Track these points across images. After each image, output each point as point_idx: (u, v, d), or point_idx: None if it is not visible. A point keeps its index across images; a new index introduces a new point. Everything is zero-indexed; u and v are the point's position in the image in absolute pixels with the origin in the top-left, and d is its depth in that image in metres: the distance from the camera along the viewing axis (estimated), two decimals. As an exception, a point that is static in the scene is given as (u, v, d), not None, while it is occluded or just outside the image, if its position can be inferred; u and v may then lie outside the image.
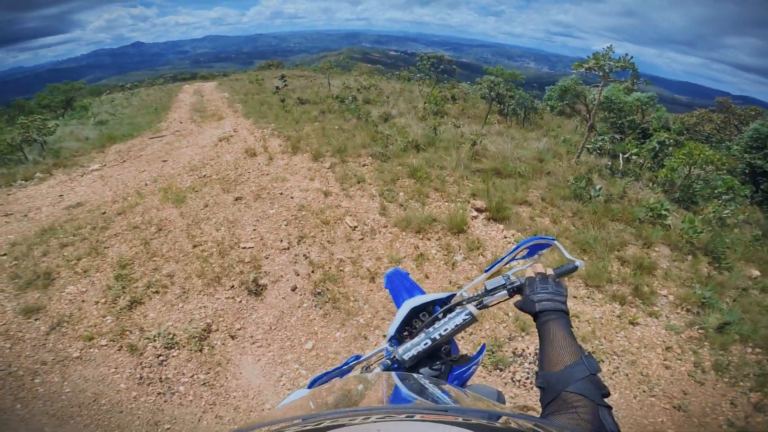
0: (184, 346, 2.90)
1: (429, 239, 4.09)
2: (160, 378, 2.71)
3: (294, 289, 3.41)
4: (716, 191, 5.62)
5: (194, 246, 3.90)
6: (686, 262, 4.20)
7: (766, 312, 3.83)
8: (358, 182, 5.00)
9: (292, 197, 4.68)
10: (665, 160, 6.52)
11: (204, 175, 5.22)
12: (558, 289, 0.83)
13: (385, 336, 0.99)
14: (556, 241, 0.94)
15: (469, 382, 0.98)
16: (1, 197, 5.64)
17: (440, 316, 0.91)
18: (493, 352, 2.94)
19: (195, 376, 2.72)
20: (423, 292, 1.04)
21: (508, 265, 0.96)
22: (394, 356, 0.85)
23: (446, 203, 4.69)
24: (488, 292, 0.91)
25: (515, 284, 0.89)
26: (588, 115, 7.15)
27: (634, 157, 6.81)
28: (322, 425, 0.30)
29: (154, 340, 2.93)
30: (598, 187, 5.03)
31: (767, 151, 7.31)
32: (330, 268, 3.65)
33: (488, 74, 9.86)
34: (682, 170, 6.01)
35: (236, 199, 4.61)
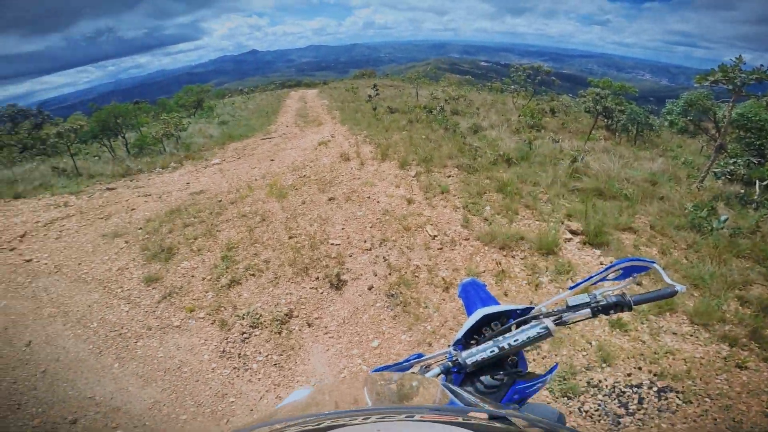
0: (266, 327, 3.16)
1: (513, 257, 3.92)
2: (239, 354, 2.97)
3: (370, 288, 3.56)
4: None
5: (290, 237, 4.31)
6: None
7: None
8: (442, 192, 5.02)
9: (378, 202, 4.89)
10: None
11: (304, 175, 5.76)
12: None
13: (449, 345, 0.98)
14: (656, 264, 0.85)
15: (530, 401, 0.93)
16: (144, 181, 6.93)
17: (513, 327, 0.88)
18: (565, 379, 2.72)
19: (269, 357, 2.95)
20: (498, 304, 1.00)
21: (595, 285, 0.90)
22: (456, 359, 0.83)
23: (537, 222, 4.44)
24: (570, 309, 0.85)
25: (601, 304, 0.84)
26: (717, 134, 6.12)
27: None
28: (322, 425, 0.30)
29: (243, 318, 3.24)
30: (723, 218, 4.28)
31: None
32: (406, 272, 3.73)
33: (594, 86, 9.07)
34: None
35: (330, 199, 4.99)
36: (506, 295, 3.48)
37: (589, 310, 0.84)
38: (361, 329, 3.16)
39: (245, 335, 3.13)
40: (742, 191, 5.44)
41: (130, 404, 2.65)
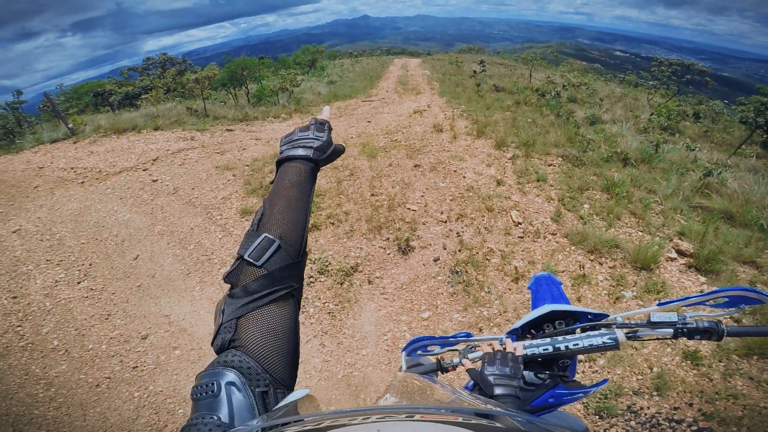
0: (331, 276, 3.32)
1: (601, 263, 3.51)
2: (302, 296, 3.24)
3: (436, 260, 3.51)
4: None
5: (372, 195, 4.45)
6: None
7: None
8: (538, 180, 4.64)
9: (464, 177, 4.74)
10: None
11: (395, 140, 5.82)
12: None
13: (504, 333, 0.91)
14: None
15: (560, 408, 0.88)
16: (257, 126, 7.71)
17: (578, 330, 0.81)
18: (606, 397, 2.46)
19: (326, 304, 3.09)
20: (569, 304, 0.93)
21: (689, 308, 0.80)
22: (505, 347, 0.80)
23: (640, 233, 3.88)
24: (650, 324, 0.76)
25: (689, 326, 0.74)
26: None
27: None
28: (322, 425, 0.30)
29: (314, 263, 3.43)
30: None
31: None
32: (477, 253, 3.58)
33: (762, 94, 7.31)
34: None
35: (415, 166, 4.99)
36: (579, 300, 3.17)
37: (672, 330, 0.75)
38: (416, 298, 3.16)
39: (311, 279, 3.33)
40: None
41: (196, 328, 2.96)
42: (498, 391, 0.71)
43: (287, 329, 0.51)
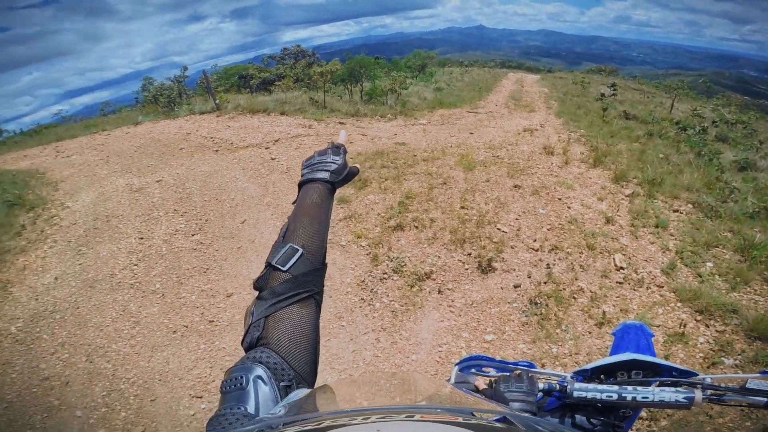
0: (404, 277, 3.40)
1: (708, 326, 2.97)
2: (372, 289, 3.29)
3: (517, 286, 3.34)
4: None
5: (461, 207, 4.41)
6: None
7: None
8: (657, 226, 4.06)
9: (569, 207, 4.39)
10: None
11: (497, 156, 5.66)
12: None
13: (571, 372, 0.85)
14: None
15: None
16: (365, 123, 8.19)
17: (656, 384, 0.75)
18: None
19: (392, 303, 3.17)
20: (654, 357, 0.84)
21: None
22: (567, 386, 0.76)
23: (769, 301, 3.16)
24: (744, 391, 0.68)
25: None
26: None
27: None
28: (322, 425, 0.30)
29: (391, 261, 3.56)
30: None
31: None
32: (565, 289, 3.31)
33: None
34: None
35: (515, 186, 4.78)
36: (667, 359, 2.72)
37: (766, 399, 0.67)
38: (484, 319, 3.07)
39: (385, 276, 3.44)
40: None
41: None
42: (513, 405, 0.71)
43: (310, 329, 0.56)
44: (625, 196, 4.59)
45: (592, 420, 0.79)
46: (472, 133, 7.12)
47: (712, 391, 0.73)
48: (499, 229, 4.08)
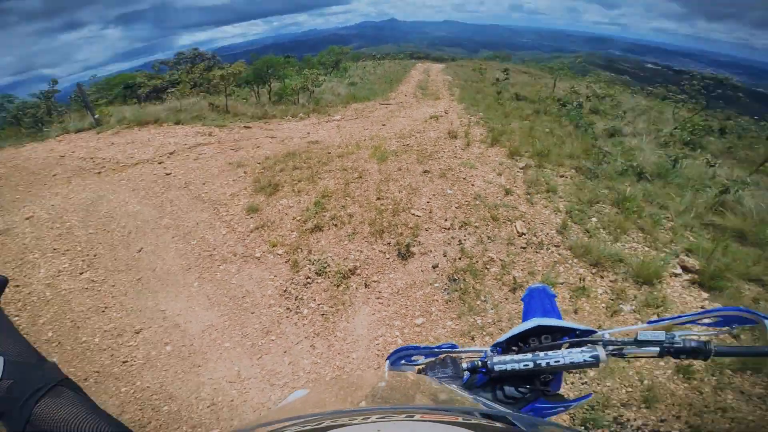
0: (329, 278, 3.31)
1: (602, 277, 3.43)
2: (297, 296, 3.16)
3: (435, 267, 3.49)
4: None
5: (377, 198, 4.46)
6: None
7: None
8: (548, 191, 4.56)
9: (472, 185, 4.70)
10: None
11: (407, 144, 5.84)
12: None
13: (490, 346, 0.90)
14: (767, 320, 0.71)
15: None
16: (274, 125, 7.86)
17: (565, 346, 0.81)
18: (593, 408, 2.42)
19: (321, 306, 3.08)
20: (560, 319, 0.91)
21: (680, 326, 0.78)
22: (486, 361, 0.79)
23: (646, 248, 3.77)
24: (637, 343, 0.76)
25: (676, 346, 0.74)
26: None
27: None
28: (322, 425, 0.30)
29: (313, 264, 3.43)
30: None
31: None
32: (478, 261, 3.55)
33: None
34: None
35: (424, 172, 4.98)
36: (576, 313, 3.10)
37: (658, 349, 0.75)
38: (411, 304, 3.15)
39: (309, 280, 3.32)
40: None
41: (189, 324, 2.99)
42: None
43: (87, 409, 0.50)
44: (520, 168, 5.07)
45: (519, 389, 0.82)
46: (384, 125, 7.24)
47: (613, 347, 0.78)
48: (413, 214, 4.21)
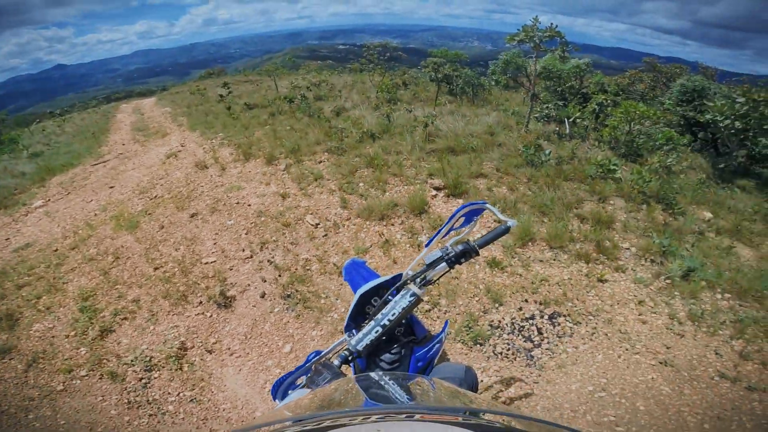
0: (163, 367, 2.88)
1: (393, 225, 4.15)
2: (148, 400, 2.70)
3: (263, 295, 3.39)
4: (657, 143, 6.00)
5: (155, 269, 3.77)
6: (641, 212, 4.43)
7: (725, 255, 3.97)
8: (316, 180, 4.97)
9: (249, 205, 4.58)
10: (607, 120, 6.88)
11: (155, 196, 5.00)
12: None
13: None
14: (488, 204, 0.94)
15: (439, 360, 0.95)
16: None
17: (390, 298, 0.89)
18: (470, 327, 2.99)
19: (181, 394, 2.72)
20: (378, 277, 1.01)
21: (447, 238, 0.95)
22: (349, 347, 0.83)
23: (406, 187, 4.76)
24: (429, 266, 0.89)
25: (452, 254, 0.89)
26: (530, 86, 7.42)
27: (578, 120, 7.16)
28: (322, 425, 0.30)
29: (133, 365, 2.91)
30: (547, 152, 5.25)
31: (696, 103, 7.86)
32: (296, 269, 3.64)
33: (432, 57, 9.97)
34: (623, 127, 6.37)
35: (192, 216, 4.46)
36: (395, 263, 3.67)
37: (445, 263, 0.88)
38: (268, 339, 3.03)
39: (144, 381, 2.80)
40: (557, 129, 6.75)
41: None
42: None
43: None
44: (282, 171, 5.26)
45: (392, 352, 0.86)
46: (112, 187, 5.90)
47: (420, 279, 0.87)
48: (206, 263, 3.79)
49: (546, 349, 2.89)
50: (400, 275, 0.93)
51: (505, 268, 3.56)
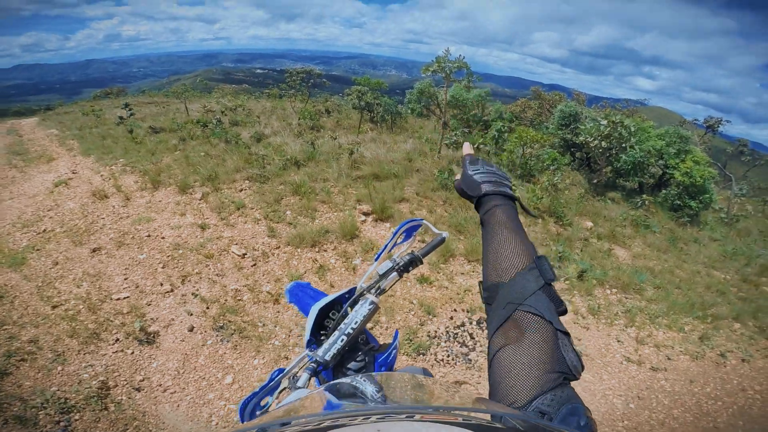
0: (84, 408, 2.56)
1: (326, 251, 4.23)
2: None
3: (191, 329, 3.19)
4: (545, 164, 7.11)
5: (54, 307, 3.29)
6: (538, 225, 5.21)
7: (607, 256, 4.91)
8: (238, 209, 4.82)
9: (163, 237, 4.25)
10: (505, 145, 7.94)
11: (44, 230, 4.32)
12: (502, 172, 0.73)
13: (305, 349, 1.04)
14: (423, 221, 1.07)
15: (396, 367, 1.02)
16: None
17: (348, 310, 0.96)
18: (411, 340, 3.20)
19: None
20: (326, 296, 1.06)
21: (392, 252, 1.05)
22: (316, 359, 0.87)
23: (335, 213, 4.89)
24: (382, 277, 0.98)
25: (401, 263, 1.00)
26: (441, 114, 8.24)
27: (481, 146, 8.12)
28: (322, 425, 0.30)
29: (44, 407, 2.52)
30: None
31: (572, 126, 9.49)
32: (226, 300, 3.49)
33: (356, 84, 10.44)
34: (517, 151, 7.42)
35: (93, 251, 3.97)
36: (333, 286, 3.75)
37: (395, 273, 0.98)
38: (205, 372, 2.86)
39: (63, 424, 2.44)
40: (464, 153, 7.56)
41: None
42: (486, 188, 0.70)
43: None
44: (199, 200, 4.99)
45: (356, 360, 0.91)
46: (-19, 223, 4.94)
47: (375, 289, 0.95)
48: (117, 299, 3.41)
49: (480, 351, 3.22)
50: (354, 289, 1.00)
51: (433, 283, 3.91)
